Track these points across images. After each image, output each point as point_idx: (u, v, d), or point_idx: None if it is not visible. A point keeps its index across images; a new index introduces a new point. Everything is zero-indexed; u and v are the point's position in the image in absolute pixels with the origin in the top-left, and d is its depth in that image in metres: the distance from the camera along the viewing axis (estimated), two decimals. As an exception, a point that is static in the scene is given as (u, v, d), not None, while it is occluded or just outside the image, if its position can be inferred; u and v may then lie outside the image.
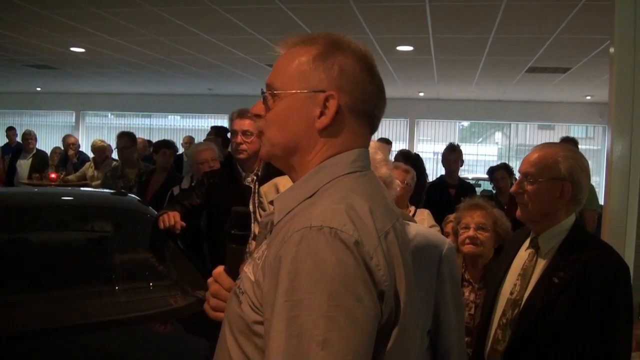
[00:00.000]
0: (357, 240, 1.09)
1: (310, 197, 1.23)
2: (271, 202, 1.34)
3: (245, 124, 3.60)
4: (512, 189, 2.38)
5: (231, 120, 3.69)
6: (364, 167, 1.29)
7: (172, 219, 3.28)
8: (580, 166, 2.26)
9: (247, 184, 3.63)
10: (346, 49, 1.29)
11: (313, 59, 1.27)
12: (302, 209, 1.21)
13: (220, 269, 1.49)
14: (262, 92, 1.35)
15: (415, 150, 12.11)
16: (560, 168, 2.23)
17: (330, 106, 1.25)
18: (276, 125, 1.31)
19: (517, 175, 2.46)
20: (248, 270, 1.24)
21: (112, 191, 4.78)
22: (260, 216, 3.21)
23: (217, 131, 7.40)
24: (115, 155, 8.51)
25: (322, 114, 1.26)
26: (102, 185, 6.39)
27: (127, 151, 6.34)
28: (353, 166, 1.27)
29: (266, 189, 2.86)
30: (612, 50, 3.29)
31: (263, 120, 1.35)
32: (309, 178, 1.27)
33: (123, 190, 4.66)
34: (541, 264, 2.28)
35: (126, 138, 6.41)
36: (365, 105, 1.28)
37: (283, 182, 2.76)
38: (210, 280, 1.50)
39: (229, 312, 1.26)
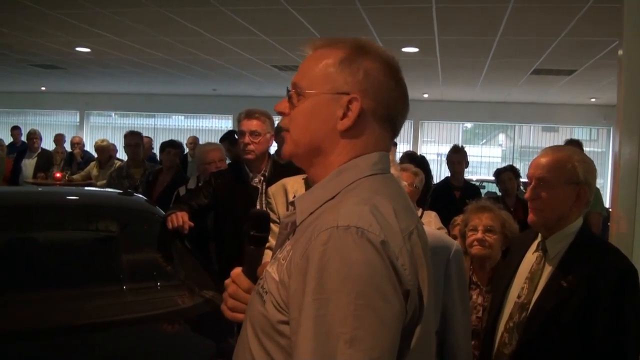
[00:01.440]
0: (384, 240, 1.10)
1: (333, 198, 1.25)
2: (291, 203, 1.34)
3: (253, 124, 3.60)
4: (527, 194, 2.33)
5: (238, 121, 3.69)
6: (384, 170, 1.32)
7: (180, 219, 3.28)
8: (591, 168, 2.27)
9: (254, 184, 3.64)
10: (373, 54, 1.31)
11: (340, 61, 1.29)
12: (325, 209, 1.22)
13: (238, 270, 1.49)
14: (288, 91, 1.36)
15: (419, 152, 12.10)
16: (578, 173, 2.22)
17: (353, 109, 1.27)
18: (300, 124, 1.33)
19: (523, 179, 2.44)
20: (272, 270, 1.24)
21: (119, 191, 4.78)
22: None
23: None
24: (119, 154, 8.54)
25: (344, 115, 1.27)
26: (107, 186, 6.38)
27: (134, 149, 6.34)
28: (374, 168, 1.29)
29: (274, 189, 2.85)
30: (620, 52, 3.28)
31: (287, 119, 1.35)
32: (330, 179, 1.28)
33: (130, 190, 4.66)
34: (549, 267, 2.26)
35: (134, 136, 6.42)
36: (389, 111, 1.30)
37: (291, 184, 2.76)
38: (228, 281, 1.50)
39: (252, 313, 1.26)
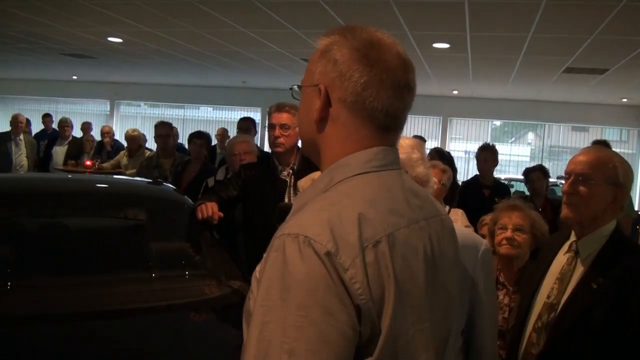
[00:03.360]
0: (329, 251, 1.06)
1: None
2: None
3: (283, 117, 3.61)
4: (565, 188, 2.30)
5: (269, 114, 3.71)
6: (380, 167, 1.25)
7: (210, 209, 3.30)
8: (630, 173, 2.25)
9: (283, 177, 3.65)
10: (349, 39, 1.25)
11: (319, 53, 1.28)
12: (296, 211, 1.22)
13: None
14: (291, 88, 1.38)
15: (447, 149, 12.04)
16: (618, 174, 2.20)
17: (320, 99, 1.25)
18: (299, 119, 1.35)
19: (552, 179, 2.42)
20: (257, 268, 1.23)
21: (148, 180, 4.82)
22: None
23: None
24: (149, 144, 8.60)
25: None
26: (137, 175, 6.45)
27: (164, 139, 6.39)
28: (365, 166, 1.23)
29: (303, 183, 2.86)
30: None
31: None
32: (322, 178, 1.26)
33: (159, 180, 4.70)
34: (580, 268, 2.25)
35: (164, 127, 6.47)
36: (359, 97, 1.22)
37: (319, 177, 2.76)
38: None
39: (245, 308, 1.27)
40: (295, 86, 1.35)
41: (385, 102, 1.23)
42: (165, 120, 6.86)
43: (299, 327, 1.02)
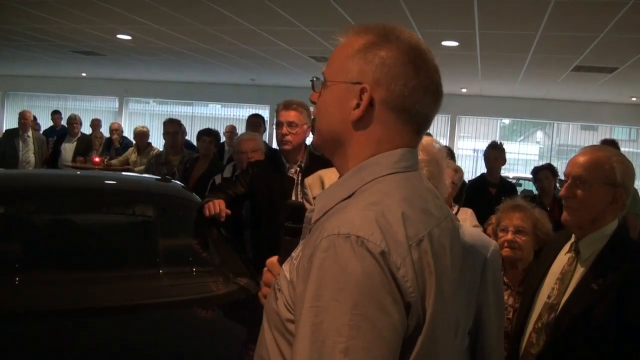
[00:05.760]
0: (384, 250, 1.08)
1: (349, 197, 1.22)
2: (315, 199, 1.35)
3: (291, 115, 3.62)
4: (562, 192, 2.30)
5: (277, 112, 3.72)
6: (407, 168, 1.27)
7: (217, 206, 3.31)
8: (631, 171, 2.23)
9: (290, 175, 3.66)
10: (393, 41, 1.26)
11: (357, 50, 1.26)
12: (336, 210, 1.21)
13: (274, 259, 1.50)
14: (312, 80, 1.37)
15: (455, 147, 12.01)
16: (615, 174, 2.19)
17: (364, 99, 1.24)
18: (321, 113, 1.33)
19: (561, 178, 2.42)
20: (285, 268, 1.25)
21: (156, 177, 4.84)
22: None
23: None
24: (154, 140, 8.60)
25: (357, 106, 1.25)
26: (146, 171, 6.47)
27: (173, 136, 6.41)
28: (395, 167, 1.25)
29: (311, 181, 2.88)
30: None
31: (315, 108, 1.36)
32: (349, 177, 1.26)
33: (167, 177, 4.72)
34: (581, 269, 2.25)
35: (172, 124, 6.48)
36: (405, 101, 1.24)
37: (328, 175, 2.78)
38: (265, 269, 1.52)
39: (268, 307, 1.27)
40: (319, 78, 1.34)
41: (427, 108, 1.28)
42: (173, 117, 6.87)
43: (355, 326, 1.04)
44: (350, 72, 1.26)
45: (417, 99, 1.25)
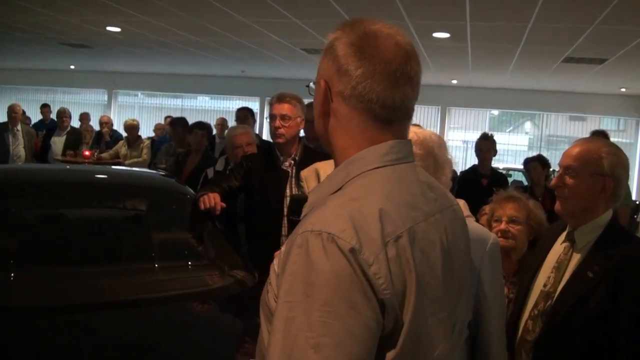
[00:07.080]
0: (354, 247, 1.07)
1: (337, 191, 1.22)
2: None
3: (284, 108, 3.61)
4: (553, 182, 2.36)
5: (270, 105, 3.71)
6: (397, 160, 1.25)
7: (212, 200, 3.30)
8: (621, 162, 2.26)
9: (284, 168, 3.66)
10: (347, 33, 1.26)
11: (325, 49, 1.30)
12: (317, 206, 1.21)
13: (279, 252, 1.52)
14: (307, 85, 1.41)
15: (445, 138, 12.02)
16: (603, 164, 2.22)
17: (322, 94, 1.28)
18: (314, 113, 1.36)
19: (556, 168, 2.45)
20: (275, 262, 1.25)
21: (148, 170, 4.83)
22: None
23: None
24: (144, 133, 8.62)
25: (322, 102, 1.30)
26: (152, 157, 6.55)
27: (180, 136, 6.55)
28: (382, 160, 1.23)
29: (306, 174, 2.87)
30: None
31: None
32: (338, 172, 1.27)
33: (161, 170, 4.70)
34: (576, 257, 2.28)
35: (180, 127, 6.67)
36: (354, 91, 1.23)
37: (324, 168, 2.77)
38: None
39: (262, 300, 1.28)
40: (311, 83, 1.37)
41: (381, 94, 1.22)
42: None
43: (325, 322, 1.04)
44: (320, 71, 1.31)
45: (370, 87, 1.22)
